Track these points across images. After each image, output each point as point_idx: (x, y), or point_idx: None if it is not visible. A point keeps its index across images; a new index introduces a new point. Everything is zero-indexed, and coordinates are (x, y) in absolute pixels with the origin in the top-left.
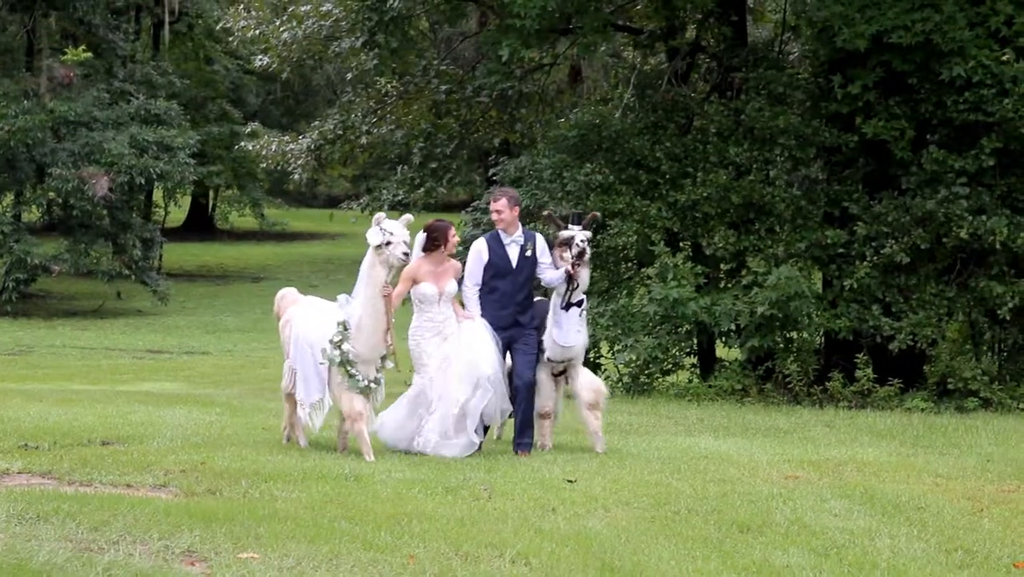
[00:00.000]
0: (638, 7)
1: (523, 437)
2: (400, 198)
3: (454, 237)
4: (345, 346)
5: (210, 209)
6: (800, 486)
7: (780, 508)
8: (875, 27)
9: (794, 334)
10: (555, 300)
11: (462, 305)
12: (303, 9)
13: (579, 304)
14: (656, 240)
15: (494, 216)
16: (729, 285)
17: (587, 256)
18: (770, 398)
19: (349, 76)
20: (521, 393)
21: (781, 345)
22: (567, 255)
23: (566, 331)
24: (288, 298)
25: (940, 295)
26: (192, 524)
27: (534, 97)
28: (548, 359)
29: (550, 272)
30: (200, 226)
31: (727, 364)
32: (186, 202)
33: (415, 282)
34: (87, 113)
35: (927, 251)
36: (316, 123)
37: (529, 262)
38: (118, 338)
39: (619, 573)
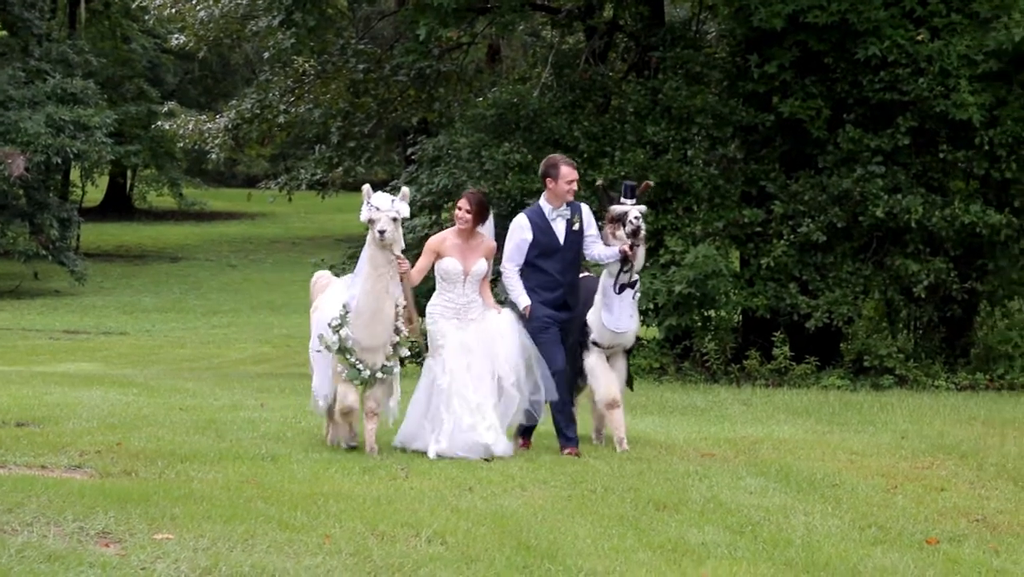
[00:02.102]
0: None
1: (567, 432)
2: (318, 177)
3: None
4: (344, 331)
5: (128, 189)
6: (716, 464)
7: (696, 486)
8: (791, 7)
9: (712, 313)
10: (605, 281)
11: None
12: None
13: (632, 285)
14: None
15: (573, 186)
16: (647, 264)
17: (643, 233)
18: (688, 376)
19: (266, 55)
20: (557, 383)
21: (699, 324)
22: (620, 232)
23: (618, 315)
24: (320, 284)
25: (856, 273)
26: (107, 505)
27: (452, 76)
28: (593, 343)
29: (599, 247)
30: (118, 206)
31: (645, 343)
32: (104, 182)
33: (439, 255)
34: (2, 92)
35: (843, 230)
36: (233, 102)
37: (578, 236)
38: (35, 319)
39: (535, 552)
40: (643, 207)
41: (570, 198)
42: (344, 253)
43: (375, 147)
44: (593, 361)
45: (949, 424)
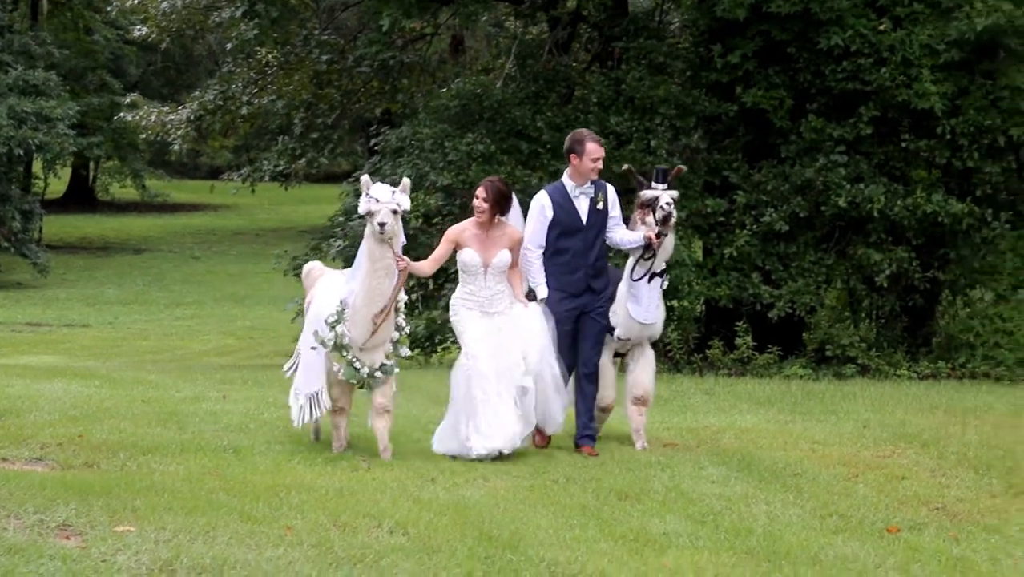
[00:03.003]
0: None
1: (587, 429)
2: (281, 168)
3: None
4: (340, 328)
5: (91, 180)
6: (678, 454)
7: (658, 476)
8: None
9: (674, 302)
10: (630, 270)
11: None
12: None
13: (661, 275)
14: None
15: (598, 164)
16: (611, 254)
17: (673, 220)
18: None
19: (229, 46)
20: (583, 381)
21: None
22: (649, 219)
23: (646, 306)
24: (313, 275)
25: (819, 263)
26: (68, 497)
27: (416, 67)
28: (618, 337)
29: (622, 231)
30: (81, 198)
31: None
32: (66, 173)
33: (458, 246)
34: None
35: (806, 219)
36: (196, 94)
37: (601, 216)
38: None
39: (497, 542)
40: (675, 192)
41: (594, 176)
42: (307, 244)
43: (338, 138)
44: (604, 361)
45: (911, 413)
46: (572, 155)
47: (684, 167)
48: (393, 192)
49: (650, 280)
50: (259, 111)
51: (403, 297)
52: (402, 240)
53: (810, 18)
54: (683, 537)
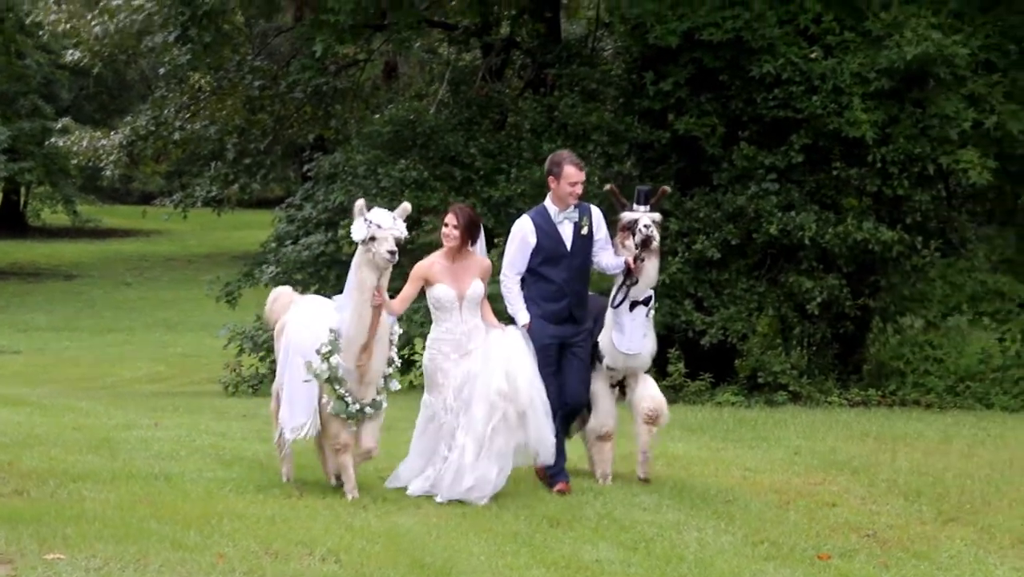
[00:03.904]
0: (452, 3)
1: (557, 465)
2: (214, 194)
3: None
4: (334, 359)
5: (22, 206)
6: (610, 481)
7: (591, 503)
8: (686, 24)
9: None
10: (612, 296)
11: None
12: (115, 3)
13: (646, 302)
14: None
15: (577, 188)
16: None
17: (654, 244)
18: None
19: (162, 71)
20: (563, 419)
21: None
22: (629, 242)
23: (630, 335)
24: (282, 300)
25: (751, 290)
26: None
27: (349, 93)
28: (607, 367)
29: (607, 256)
30: (11, 223)
31: None
32: None
33: (428, 282)
34: None
35: (738, 247)
36: (128, 119)
37: (586, 241)
38: None
39: (429, 569)
40: (656, 215)
41: (572, 202)
42: (240, 271)
43: (271, 164)
44: (598, 388)
45: (841, 440)
46: (551, 177)
47: (667, 189)
48: (394, 218)
49: (632, 308)
50: (191, 136)
51: (397, 330)
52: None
53: (742, 46)
54: (615, 564)
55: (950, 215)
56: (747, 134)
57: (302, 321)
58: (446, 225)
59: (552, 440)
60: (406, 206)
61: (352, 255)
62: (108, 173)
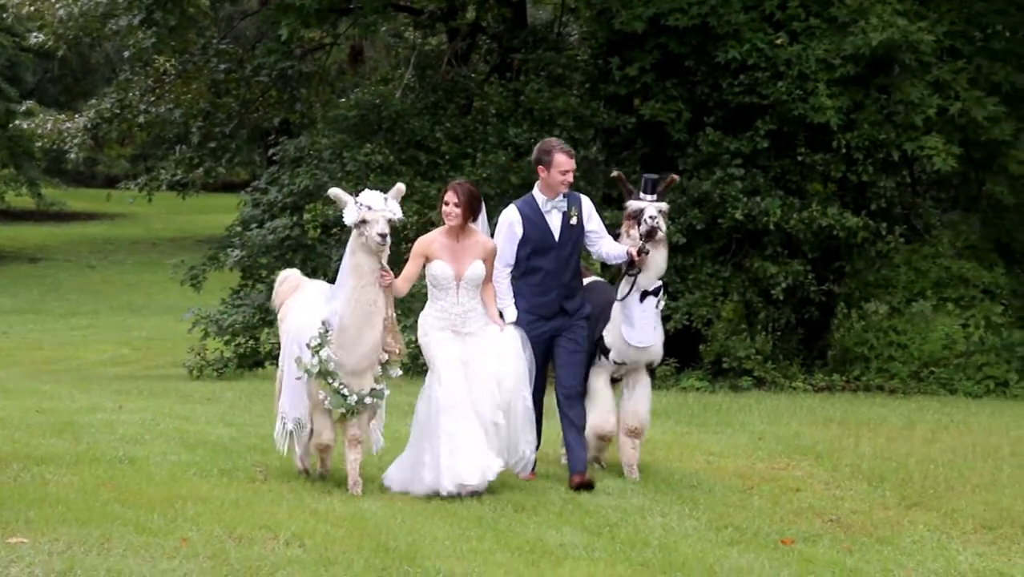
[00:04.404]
0: None
1: (577, 462)
2: (179, 178)
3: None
4: (324, 352)
5: None
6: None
7: (555, 488)
8: (652, 9)
9: None
10: (622, 289)
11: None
12: None
13: (656, 293)
14: (437, 221)
15: (568, 177)
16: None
17: (660, 235)
18: (549, 378)
19: (127, 54)
20: (563, 407)
21: None
22: (634, 232)
23: (640, 327)
24: (288, 284)
25: (716, 275)
26: None
27: (314, 77)
28: (614, 361)
29: (606, 244)
30: None
31: None
32: None
33: (427, 259)
34: None
35: (703, 232)
36: (93, 102)
37: (576, 232)
38: None
39: (394, 553)
40: (663, 205)
41: (563, 190)
42: (205, 254)
43: (236, 147)
44: (598, 386)
45: (805, 425)
46: (540, 166)
47: (676, 177)
48: (385, 199)
49: (642, 299)
50: (156, 120)
51: (391, 313)
52: (387, 252)
53: (707, 32)
54: (579, 549)
55: (915, 201)
56: (713, 119)
57: (305, 308)
58: (446, 204)
59: (528, 451)
60: (400, 187)
61: (318, 240)
62: (73, 156)
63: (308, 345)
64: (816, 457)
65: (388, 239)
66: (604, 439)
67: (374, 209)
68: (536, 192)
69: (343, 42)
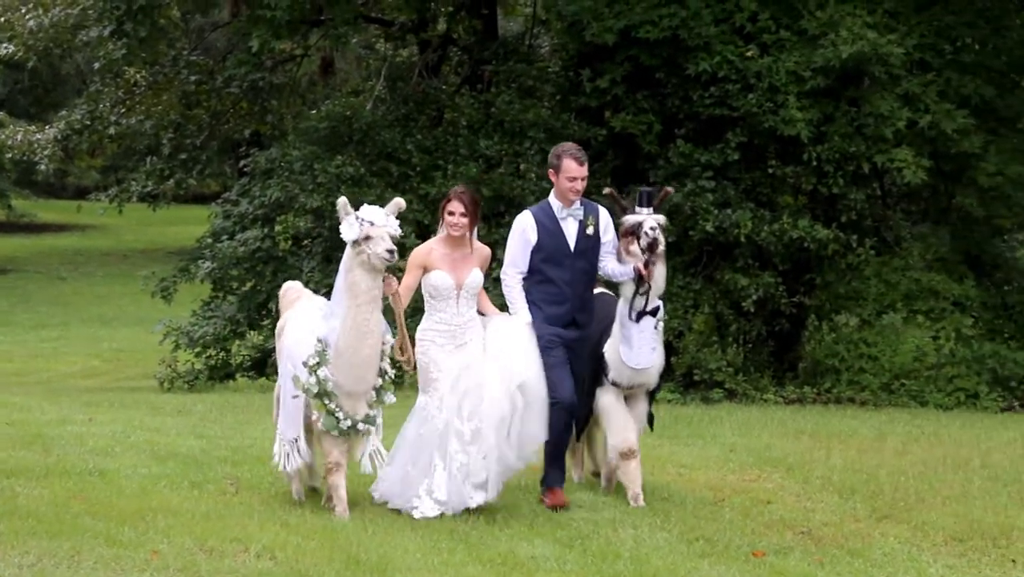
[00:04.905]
0: None
1: (551, 473)
2: (149, 189)
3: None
4: (322, 372)
5: None
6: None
7: (526, 499)
8: (623, 22)
9: None
10: (622, 308)
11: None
12: None
13: (654, 312)
14: (407, 233)
15: (576, 184)
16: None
17: (661, 248)
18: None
19: (97, 65)
20: (556, 418)
21: None
22: (634, 247)
23: (638, 349)
24: (289, 297)
25: (687, 287)
26: None
27: (285, 88)
28: (613, 382)
29: (612, 262)
30: None
31: None
32: None
33: (425, 270)
34: None
35: (674, 244)
36: (63, 113)
37: (592, 242)
38: None
39: (365, 566)
40: (661, 217)
41: (574, 198)
42: (175, 266)
43: (207, 159)
44: (608, 402)
45: (776, 437)
46: (551, 171)
47: (671, 189)
48: (387, 215)
49: (638, 319)
50: (127, 131)
51: (389, 339)
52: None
53: (678, 44)
54: (551, 561)
55: (885, 213)
56: (683, 132)
57: (298, 326)
58: (451, 214)
59: (537, 441)
60: (399, 202)
61: (289, 252)
62: (43, 167)
63: (305, 364)
64: (787, 469)
65: (395, 255)
66: (628, 456)
67: (377, 225)
68: (552, 199)
69: (314, 54)
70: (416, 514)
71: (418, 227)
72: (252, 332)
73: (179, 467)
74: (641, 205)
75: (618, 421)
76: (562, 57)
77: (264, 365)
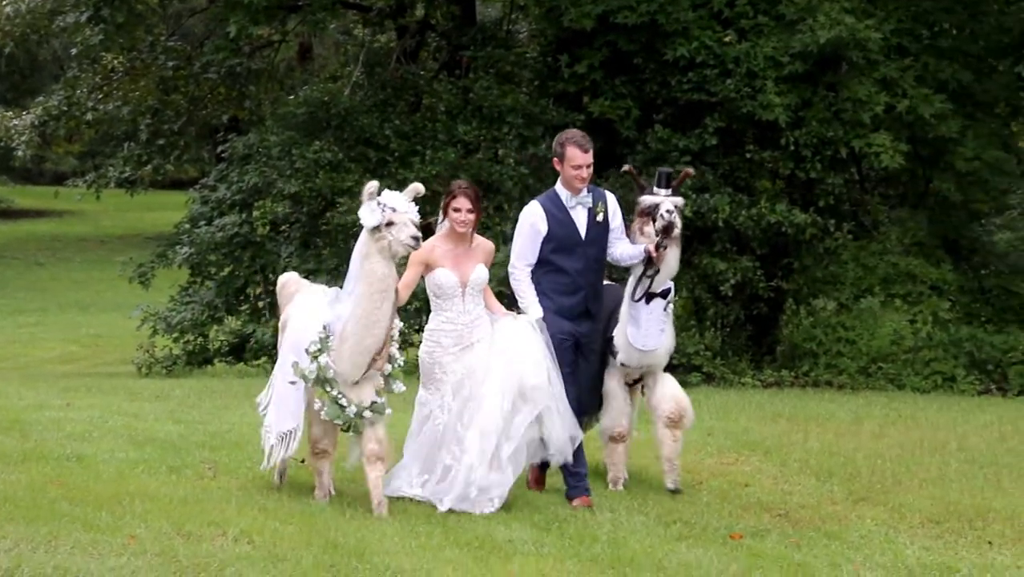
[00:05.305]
0: None
1: (577, 479)
2: (127, 175)
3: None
4: (323, 359)
5: None
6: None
7: None
8: (601, 7)
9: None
10: (631, 288)
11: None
12: None
13: (664, 295)
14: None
15: (582, 172)
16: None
17: (676, 231)
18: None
19: (74, 51)
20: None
21: None
22: (649, 228)
23: (646, 330)
24: (288, 289)
25: None
26: None
27: (263, 74)
28: (621, 364)
29: (623, 245)
30: None
31: None
32: None
33: (428, 268)
34: None
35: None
36: (40, 99)
37: (602, 229)
38: None
39: (343, 550)
40: (679, 199)
41: (580, 186)
42: (153, 252)
43: (185, 144)
44: (612, 386)
45: (754, 421)
46: (555, 159)
47: (692, 171)
48: (409, 201)
49: (648, 301)
50: (104, 117)
51: (398, 324)
52: None
53: (656, 29)
54: (528, 544)
55: (862, 198)
56: (661, 117)
57: (301, 315)
58: (457, 211)
59: (569, 438)
60: (417, 187)
61: (267, 237)
62: (20, 153)
63: (307, 350)
64: (765, 452)
65: (419, 242)
66: (617, 440)
67: (399, 211)
68: (558, 187)
69: (292, 39)
70: (443, 508)
71: None
72: (230, 317)
73: (157, 452)
74: (660, 186)
75: (616, 406)
76: (540, 43)
77: (242, 350)
